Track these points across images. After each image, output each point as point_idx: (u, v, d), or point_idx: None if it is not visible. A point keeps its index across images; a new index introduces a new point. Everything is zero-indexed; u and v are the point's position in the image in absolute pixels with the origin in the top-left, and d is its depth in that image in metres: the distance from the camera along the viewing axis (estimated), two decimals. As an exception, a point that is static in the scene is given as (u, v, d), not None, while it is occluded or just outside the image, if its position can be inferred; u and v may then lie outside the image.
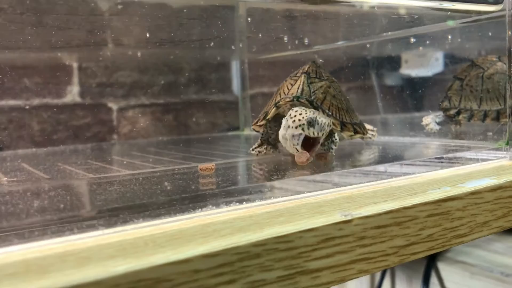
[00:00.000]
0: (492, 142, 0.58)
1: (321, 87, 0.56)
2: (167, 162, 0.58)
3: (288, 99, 0.54)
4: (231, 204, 0.36)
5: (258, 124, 0.57)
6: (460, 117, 0.74)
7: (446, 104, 0.76)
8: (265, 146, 0.57)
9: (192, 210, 0.35)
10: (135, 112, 1.03)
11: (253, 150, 0.57)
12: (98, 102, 0.99)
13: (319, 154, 0.53)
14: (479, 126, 0.74)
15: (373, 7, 0.54)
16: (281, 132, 0.51)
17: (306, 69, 0.57)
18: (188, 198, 0.37)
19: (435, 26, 0.71)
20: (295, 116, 0.49)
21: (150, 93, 1.03)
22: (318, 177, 0.45)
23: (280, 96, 0.55)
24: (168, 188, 0.41)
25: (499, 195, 0.44)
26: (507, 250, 1.11)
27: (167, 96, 1.05)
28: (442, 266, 1.06)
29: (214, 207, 0.36)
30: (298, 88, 0.55)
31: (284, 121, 0.51)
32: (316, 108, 0.54)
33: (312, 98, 0.54)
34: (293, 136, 0.49)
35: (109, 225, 0.32)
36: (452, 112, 0.75)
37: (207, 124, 1.08)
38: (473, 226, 0.42)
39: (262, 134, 0.57)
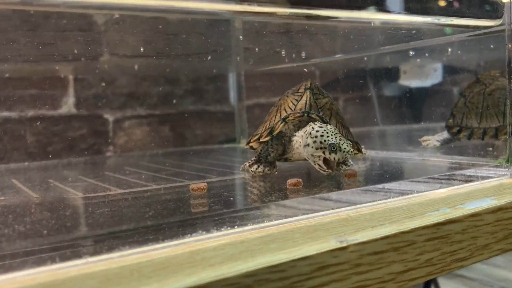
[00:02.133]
0: (493, 159, 0.56)
1: (326, 103, 0.55)
2: (160, 179, 0.56)
3: (298, 114, 0.53)
4: (222, 229, 0.35)
5: (261, 140, 0.54)
6: (461, 135, 0.73)
7: (450, 121, 0.75)
8: (263, 165, 0.55)
9: (181, 236, 0.33)
10: (131, 123, 1.02)
11: (250, 167, 0.55)
12: (94, 113, 0.98)
13: (347, 173, 0.52)
14: (481, 142, 0.73)
15: (370, 22, 0.53)
16: (300, 147, 0.51)
17: (309, 85, 0.56)
18: (177, 222, 0.35)
19: (435, 40, 0.70)
20: (316, 136, 0.48)
21: (146, 104, 1.02)
22: (314, 197, 0.44)
23: (286, 112, 0.54)
24: (158, 210, 0.39)
25: (499, 217, 0.42)
26: (507, 263, 1.10)
27: (163, 107, 1.04)
28: (442, 281, 1.05)
29: (204, 232, 0.34)
30: (305, 104, 0.53)
31: (300, 134, 0.50)
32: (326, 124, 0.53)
33: (321, 114, 0.53)
34: (312, 155, 0.49)
35: (94, 253, 0.31)
36: (455, 130, 0.74)
37: (204, 135, 1.07)
38: (473, 249, 0.40)
39: (261, 151, 0.56)
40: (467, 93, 0.73)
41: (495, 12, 0.54)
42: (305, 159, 0.52)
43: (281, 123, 0.53)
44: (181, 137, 1.05)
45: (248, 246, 0.33)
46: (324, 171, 0.49)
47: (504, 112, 0.67)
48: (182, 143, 1.05)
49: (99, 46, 0.82)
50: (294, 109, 0.54)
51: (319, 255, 0.31)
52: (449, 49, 0.80)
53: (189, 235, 0.34)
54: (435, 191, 0.48)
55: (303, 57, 0.83)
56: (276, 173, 0.55)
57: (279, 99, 0.58)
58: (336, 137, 0.48)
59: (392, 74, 0.92)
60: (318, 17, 0.50)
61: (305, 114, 0.53)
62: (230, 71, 1.05)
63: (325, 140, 0.48)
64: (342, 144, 0.48)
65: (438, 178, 0.52)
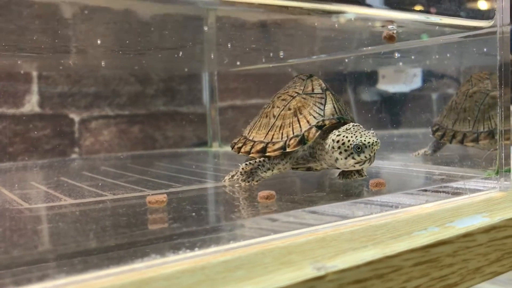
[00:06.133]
0: (481, 171, 0.52)
1: (344, 104, 0.52)
2: (118, 187, 0.51)
3: (334, 121, 0.49)
4: (180, 252, 0.30)
5: (288, 150, 0.48)
6: (436, 134, 0.69)
7: (437, 119, 0.71)
8: (257, 177, 0.50)
9: (130, 261, 0.28)
10: (98, 124, 0.96)
11: (243, 181, 0.49)
12: (58, 113, 0.93)
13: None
14: (469, 152, 0.69)
15: (351, 18, 0.49)
16: (330, 161, 0.48)
17: (323, 84, 0.52)
18: (127, 243, 0.30)
19: (423, 42, 0.65)
20: (339, 147, 0.46)
21: (115, 103, 0.97)
22: (289, 212, 0.39)
23: (313, 116, 0.49)
24: (106, 228, 0.34)
25: (493, 237, 0.38)
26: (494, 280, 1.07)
27: (133, 107, 0.98)
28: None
29: (158, 256, 0.29)
30: (334, 107, 0.50)
31: (330, 146, 0.47)
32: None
33: (348, 117, 0.50)
34: (346, 165, 0.47)
35: (20, 283, 0.25)
36: (434, 128, 0.70)
37: (175, 137, 1.02)
38: (465, 273, 0.36)
39: (263, 162, 0.49)
40: (458, 91, 0.70)
41: (486, 12, 0.50)
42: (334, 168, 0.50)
43: (316, 130, 0.48)
44: (151, 139, 1.00)
45: (209, 274, 0.28)
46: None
47: (478, 116, 0.64)
48: (152, 146, 0.99)
49: (65, 41, 0.76)
50: (324, 114, 0.49)
51: (293, 286, 0.27)
52: (437, 52, 0.76)
53: (139, 259, 0.29)
54: (422, 206, 0.43)
55: (280, 57, 0.79)
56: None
57: (288, 101, 0.51)
58: (355, 135, 0.45)
59: (374, 77, 0.88)
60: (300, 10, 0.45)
61: (341, 120, 0.49)
62: (203, 71, 1.00)
63: (348, 146, 0.45)
64: (365, 140, 0.45)
65: (424, 191, 0.47)
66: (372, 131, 0.46)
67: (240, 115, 1.07)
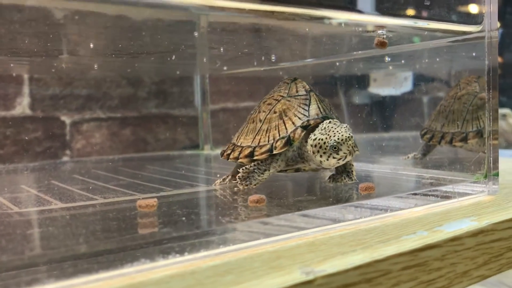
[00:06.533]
0: (470, 174, 0.53)
1: (329, 104, 0.53)
2: (109, 191, 0.51)
3: (319, 120, 0.49)
4: (170, 256, 0.30)
5: (274, 152, 0.48)
6: (425, 137, 0.70)
7: (426, 123, 0.72)
8: (255, 182, 0.49)
9: (119, 265, 0.28)
10: (90, 126, 0.96)
11: (241, 184, 0.49)
12: (50, 115, 0.92)
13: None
14: (460, 154, 0.70)
15: (341, 24, 0.49)
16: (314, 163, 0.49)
17: (307, 86, 0.52)
18: (117, 248, 0.30)
19: (413, 46, 0.66)
20: (318, 151, 0.47)
21: (106, 106, 0.97)
22: (279, 216, 0.39)
23: (298, 118, 0.49)
24: (95, 232, 0.34)
25: (480, 240, 0.39)
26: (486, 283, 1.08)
27: (125, 110, 0.98)
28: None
29: (148, 261, 0.29)
30: (318, 108, 0.50)
31: (310, 151, 0.48)
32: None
33: (333, 116, 0.51)
34: (330, 164, 0.47)
35: (8, 288, 0.25)
36: (423, 132, 0.71)
37: (167, 140, 1.01)
38: (452, 277, 0.37)
39: (259, 164, 0.50)
40: (446, 95, 0.71)
41: (475, 17, 0.50)
42: (322, 168, 0.50)
43: (301, 131, 0.49)
44: (143, 142, 1.00)
45: (199, 279, 0.28)
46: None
47: (469, 116, 0.64)
48: (143, 149, 0.99)
49: (57, 43, 0.76)
50: (308, 115, 0.50)
51: (281, 291, 0.27)
52: (427, 56, 0.77)
53: (129, 264, 0.29)
54: (411, 210, 0.44)
55: (272, 61, 0.79)
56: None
57: (274, 104, 0.52)
58: (329, 135, 0.46)
59: (365, 81, 0.89)
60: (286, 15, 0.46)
61: (325, 120, 0.49)
62: (195, 74, 1.00)
63: (325, 148, 0.46)
64: (338, 138, 0.45)
65: (413, 194, 0.48)
66: (345, 125, 0.47)
67: (232, 117, 1.07)
